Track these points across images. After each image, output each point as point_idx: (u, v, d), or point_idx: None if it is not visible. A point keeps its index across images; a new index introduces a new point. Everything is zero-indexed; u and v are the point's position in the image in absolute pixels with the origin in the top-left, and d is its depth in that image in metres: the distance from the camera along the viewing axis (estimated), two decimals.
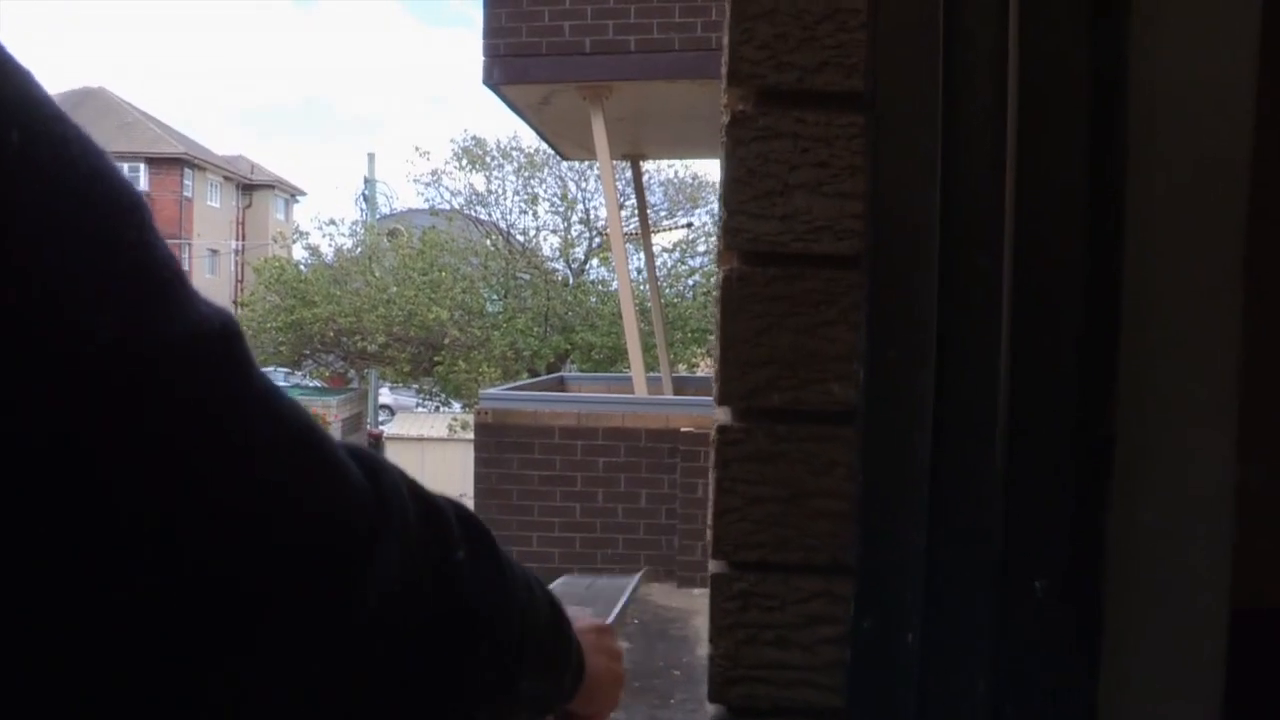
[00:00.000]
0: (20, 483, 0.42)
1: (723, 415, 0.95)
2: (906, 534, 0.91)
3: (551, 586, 0.77)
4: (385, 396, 29.27)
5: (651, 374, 10.25)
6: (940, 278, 0.88)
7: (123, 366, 0.43)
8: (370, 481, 0.55)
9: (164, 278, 0.46)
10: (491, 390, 10.10)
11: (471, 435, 8.97)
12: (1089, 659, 0.90)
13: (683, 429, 7.96)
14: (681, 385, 11.36)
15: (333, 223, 35.27)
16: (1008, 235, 0.87)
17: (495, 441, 8.30)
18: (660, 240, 22.76)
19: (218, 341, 0.48)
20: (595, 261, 24.37)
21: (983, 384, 0.89)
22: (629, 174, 11.83)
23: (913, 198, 0.89)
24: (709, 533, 0.96)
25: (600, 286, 23.30)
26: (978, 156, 0.88)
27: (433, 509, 0.61)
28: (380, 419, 27.13)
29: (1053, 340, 0.88)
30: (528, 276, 23.23)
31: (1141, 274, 0.89)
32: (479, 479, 8.37)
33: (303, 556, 0.50)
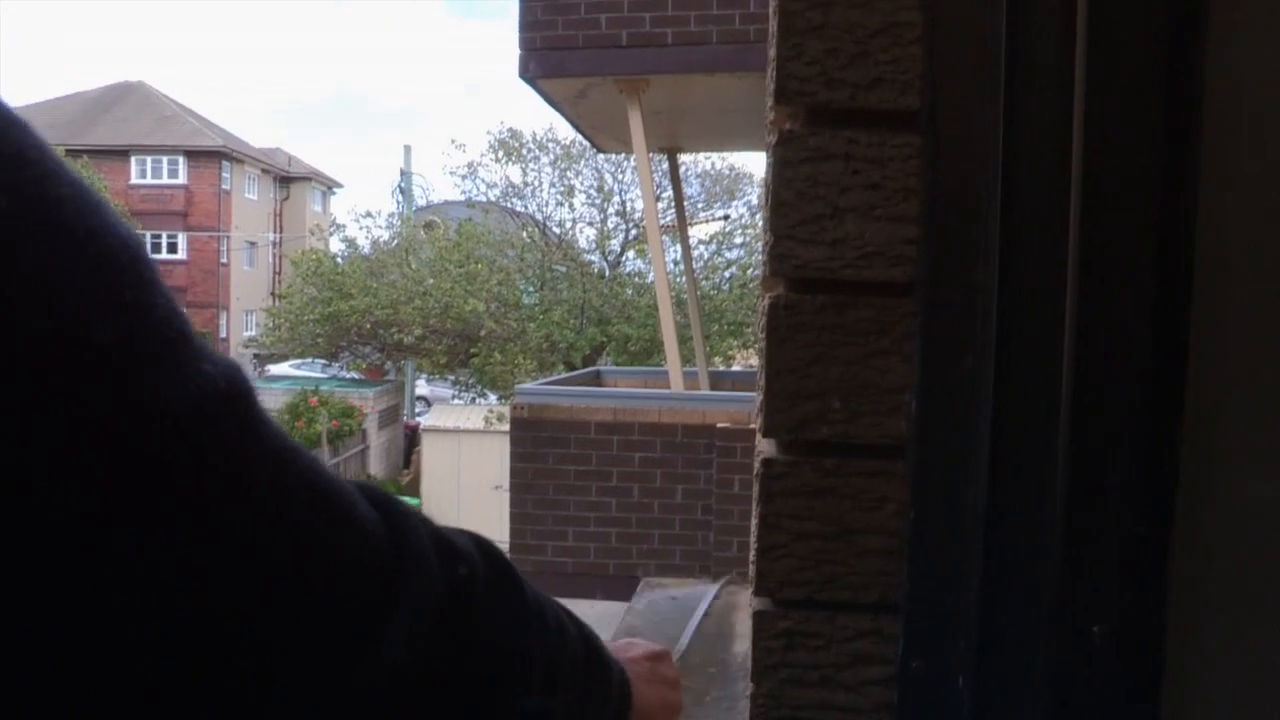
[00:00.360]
0: (14, 550, 0.40)
1: (768, 447, 0.91)
2: (959, 573, 0.87)
3: (635, 606, 0.74)
4: (422, 388, 29.44)
5: (688, 368, 10.21)
6: (999, 307, 0.84)
7: (121, 439, 0.42)
8: (390, 533, 0.53)
9: (165, 338, 0.44)
10: (527, 385, 10.10)
11: (507, 427, 8.96)
12: (1149, 707, 0.86)
13: (719, 424, 7.91)
14: (718, 380, 11.32)
15: (369, 215, 35.53)
16: (1072, 263, 0.82)
17: (531, 436, 8.30)
18: (697, 232, 22.71)
19: (222, 404, 0.46)
20: (631, 254, 24.34)
21: (1043, 419, 0.85)
22: (665, 166, 11.77)
23: (970, 222, 0.84)
24: (751, 568, 0.93)
25: (636, 279, 23.29)
26: (1041, 178, 0.83)
27: (458, 555, 0.59)
28: (417, 410, 27.26)
29: (1118, 376, 0.84)
30: (564, 269, 23.24)
31: (1213, 309, 0.84)
32: (515, 474, 8.37)
33: (315, 616, 0.48)
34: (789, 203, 0.88)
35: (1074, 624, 0.84)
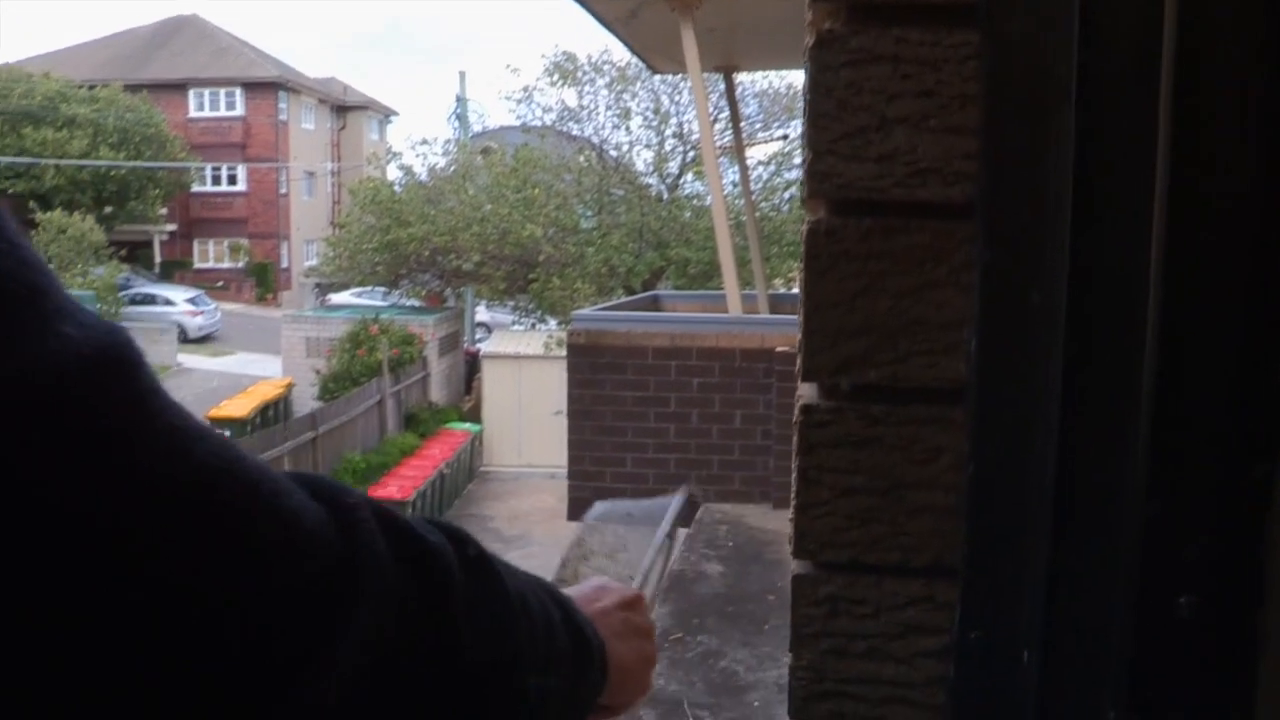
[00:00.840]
0: None
1: (808, 392, 0.81)
2: (1025, 534, 0.76)
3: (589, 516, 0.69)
4: (482, 314, 29.54)
5: (747, 291, 10.06)
6: (1072, 230, 0.72)
7: None
8: (339, 529, 0.44)
9: (9, 292, 0.34)
10: (584, 311, 10.03)
11: (565, 353, 8.91)
12: (1242, 688, 0.75)
13: (778, 349, 7.78)
14: (777, 303, 11.14)
15: (425, 143, 35.51)
16: (1160, 175, 0.70)
17: (588, 362, 8.23)
18: (755, 153, 22.36)
19: (87, 372, 0.36)
20: (690, 176, 24.04)
21: (1122, 359, 0.73)
22: (722, 87, 11.51)
23: (1039, 134, 0.72)
24: (791, 526, 0.83)
25: (695, 201, 23.04)
26: (1124, 79, 0.71)
27: (425, 552, 0.50)
28: (478, 337, 27.35)
29: (1214, 308, 0.72)
30: (621, 192, 23.05)
31: None
32: (573, 400, 8.32)
33: (235, 633, 0.39)
34: (829, 114, 0.77)
35: (1157, 594, 0.74)
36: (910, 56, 0.75)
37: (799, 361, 0.81)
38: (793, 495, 0.82)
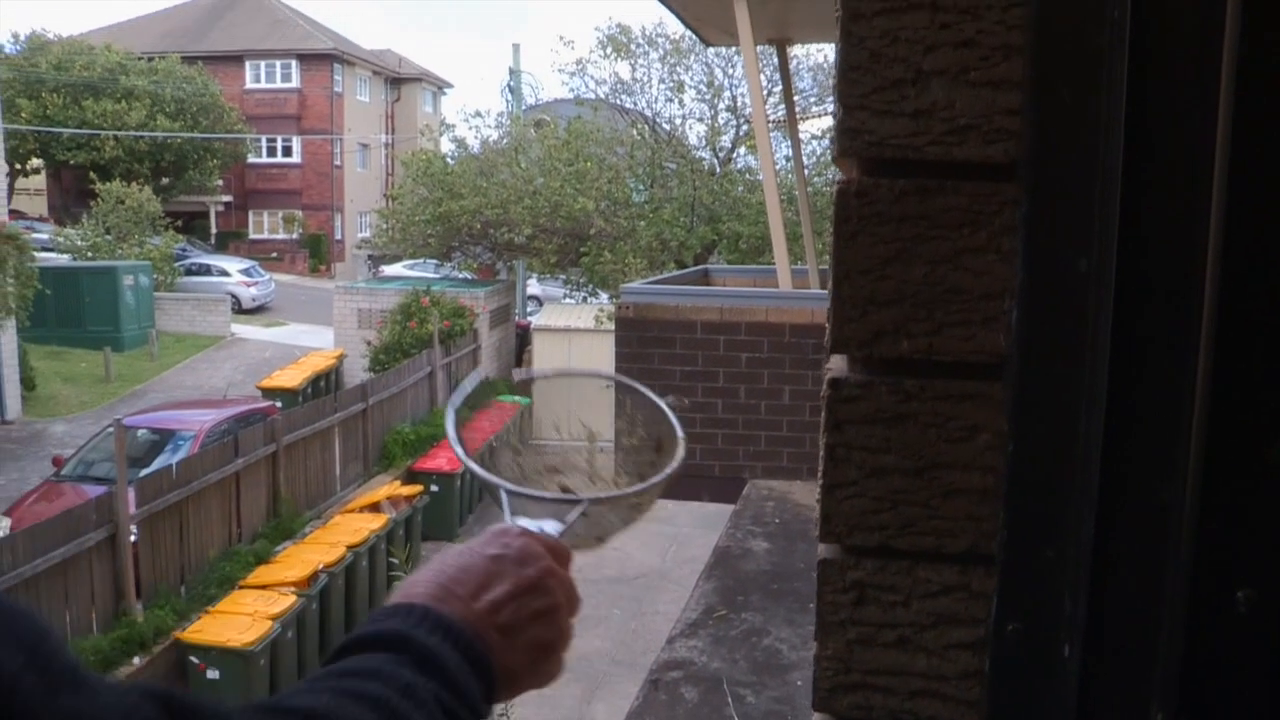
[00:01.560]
0: None
1: (837, 365, 0.76)
2: (1068, 520, 0.71)
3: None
4: (533, 288, 29.59)
5: (798, 266, 9.95)
6: (1124, 192, 0.66)
7: None
8: None
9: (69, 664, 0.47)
10: (632, 284, 9.97)
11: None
12: None
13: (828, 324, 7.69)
14: (828, 278, 11.02)
15: (479, 115, 35.47)
16: (1221, 133, 0.64)
17: (636, 336, 8.19)
18: (809, 127, 22.14)
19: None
20: (742, 150, 23.85)
21: (1177, 330, 0.67)
22: (776, 60, 11.37)
23: (1089, 86, 0.67)
24: (817, 507, 0.78)
25: (747, 175, 22.86)
26: (1183, 25, 0.65)
27: None
28: (529, 310, 27.39)
29: (1276, 277, 0.66)
30: (674, 166, 22.92)
31: None
32: (620, 373, 8.29)
33: None
34: (862, 66, 0.71)
35: (1213, 586, 0.68)
36: (949, 4, 0.70)
37: (828, 330, 0.76)
38: (819, 475, 0.77)
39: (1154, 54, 0.65)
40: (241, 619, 9.30)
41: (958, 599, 0.75)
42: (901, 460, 0.75)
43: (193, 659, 9.04)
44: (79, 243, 27.64)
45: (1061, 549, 0.71)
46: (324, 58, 41.08)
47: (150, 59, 35.97)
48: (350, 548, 11.27)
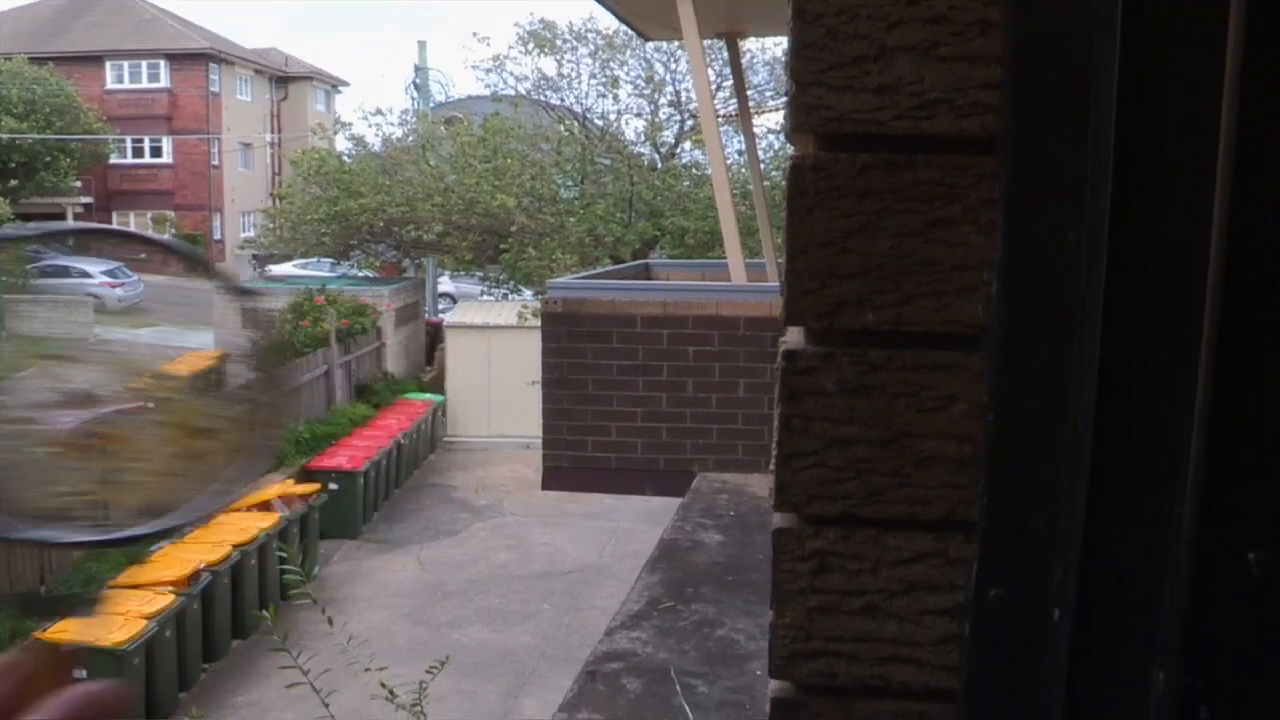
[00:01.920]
0: None
1: (793, 338, 0.77)
2: (1057, 486, 0.72)
3: None
4: (446, 285, 29.42)
5: (753, 260, 9.97)
6: (1116, 160, 0.67)
7: None
8: None
9: None
10: (560, 280, 9.92)
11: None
12: None
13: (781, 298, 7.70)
14: None
15: (379, 112, 34.97)
16: (1228, 94, 0.64)
17: (566, 331, 8.16)
18: (765, 121, 22.15)
19: None
20: (689, 145, 23.78)
21: (1173, 290, 0.68)
22: (726, 55, 11.39)
23: (1078, 60, 0.67)
24: (771, 480, 0.79)
25: (695, 170, 22.81)
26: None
27: None
28: (441, 307, 27.18)
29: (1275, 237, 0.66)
30: (608, 161, 22.78)
31: None
32: (547, 369, 8.25)
33: None
34: (817, 43, 0.72)
35: (1220, 548, 0.69)
36: None
37: (782, 304, 0.77)
38: (774, 445, 0.78)
39: (1149, 21, 0.66)
40: (113, 619, 9.15)
41: (933, 565, 0.77)
42: (867, 430, 0.76)
43: None
44: None
45: (1051, 515, 0.72)
46: (198, 57, 40.56)
47: None
48: (236, 546, 11.33)
